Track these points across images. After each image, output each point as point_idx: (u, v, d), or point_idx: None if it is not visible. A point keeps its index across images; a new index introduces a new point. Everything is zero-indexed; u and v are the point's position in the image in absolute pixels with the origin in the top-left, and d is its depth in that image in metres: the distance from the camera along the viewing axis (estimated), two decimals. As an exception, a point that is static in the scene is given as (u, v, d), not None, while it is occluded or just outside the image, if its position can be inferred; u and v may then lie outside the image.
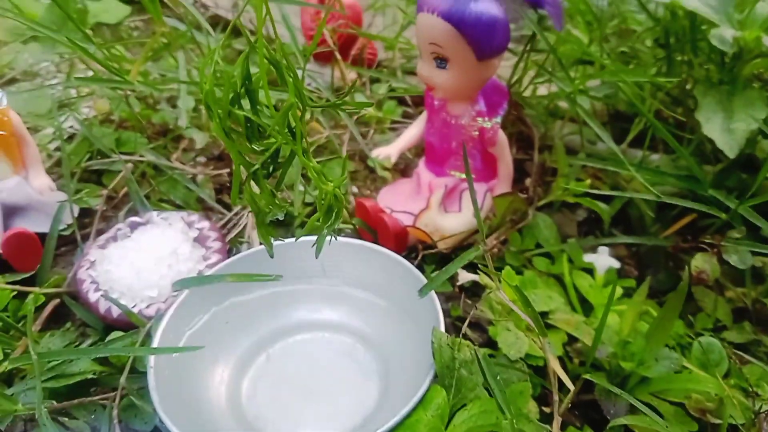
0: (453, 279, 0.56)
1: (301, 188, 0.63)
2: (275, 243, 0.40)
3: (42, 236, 0.57)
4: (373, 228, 0.59)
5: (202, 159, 0.74)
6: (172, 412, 0.39)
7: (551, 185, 0.64)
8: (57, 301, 0.53)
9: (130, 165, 0.66)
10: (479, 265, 0.47)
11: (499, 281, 0.45)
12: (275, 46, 0.32)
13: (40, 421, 0.40)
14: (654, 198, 0.55)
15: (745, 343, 0.51)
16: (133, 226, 0.57)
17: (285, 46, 0.31)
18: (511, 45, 0.56)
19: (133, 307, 0.50)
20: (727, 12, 0.59)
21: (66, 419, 0.44)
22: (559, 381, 0.41)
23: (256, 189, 0.36)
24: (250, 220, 0.62)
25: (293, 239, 0.51)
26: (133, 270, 0.52)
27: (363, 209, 0.60)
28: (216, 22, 0.96)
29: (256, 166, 0.34)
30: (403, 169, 0.73)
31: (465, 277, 0.55)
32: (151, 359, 0.42)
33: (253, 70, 0.32)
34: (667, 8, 0.64)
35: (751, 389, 0.44)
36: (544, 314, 0.49)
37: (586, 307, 0.54)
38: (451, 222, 0.58)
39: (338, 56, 0.77)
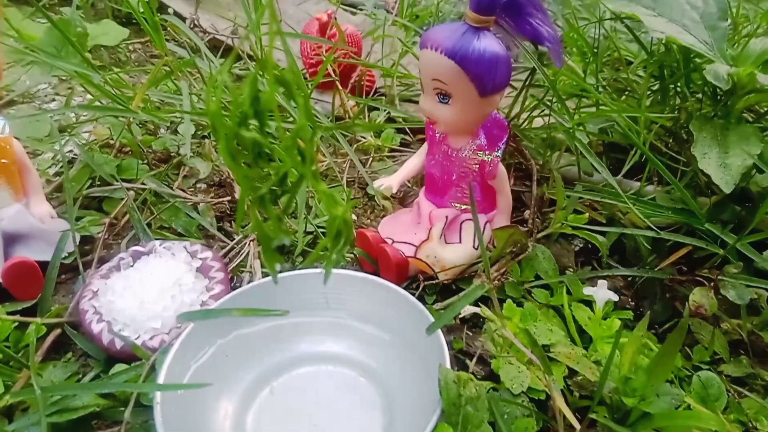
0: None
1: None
2: (279, 275, 0.40)
3: (43, 264, 0.57)
4: (375, 258, 0.60)
5: (202, 186, 0.74)
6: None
7: (549, 216, 0.65)
8: (58, 331, 0.53)
9: (131, 193, 0.66)
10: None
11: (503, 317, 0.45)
12: (281, 69, 0.32)
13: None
14: (653, 234, 0.56)
15: (742, 376, 0.52)
16: (136, 256, 0.57)
17: (286, 72, 0.31)
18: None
19: (137, 338, 0.50)
20: (721, 48, 0.60)
21: (69, 455, 0.44)
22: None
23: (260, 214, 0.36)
24: (252, 249, 0.62)
25: (297, 271, 0.51)
26: (136, 301, 0.52)
27: (364, 239, 0.60)
28: (214, 45, 0.96)
29: (263, 190, 0.34)
30: (401, 197, 0.73)
31: (467, 309, 0.55)
32: (158, 395, 0.42)
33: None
34: (661, 43, 0.66)
35: (750, 424, 0.44)
36: (545, 347, 0.50)
37: (585, 338, 0.54)
38: (452, 254, 0.59)
39: (339, 86, 0.78)
